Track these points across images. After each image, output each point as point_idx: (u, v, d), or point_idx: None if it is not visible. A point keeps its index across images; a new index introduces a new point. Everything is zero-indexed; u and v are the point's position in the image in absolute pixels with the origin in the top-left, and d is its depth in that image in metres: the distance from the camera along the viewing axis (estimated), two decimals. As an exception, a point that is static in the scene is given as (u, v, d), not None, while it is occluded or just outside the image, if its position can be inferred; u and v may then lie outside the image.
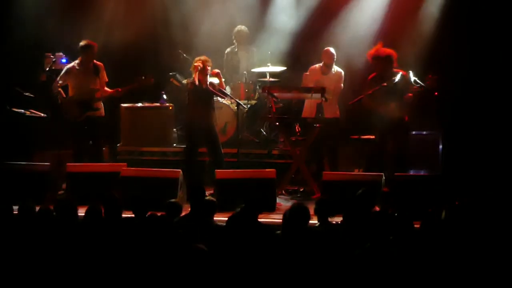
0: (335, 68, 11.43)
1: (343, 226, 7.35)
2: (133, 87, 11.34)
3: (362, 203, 7.68)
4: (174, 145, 12.69)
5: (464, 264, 6.35)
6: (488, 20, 11.62)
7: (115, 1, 13.02)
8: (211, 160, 11.21)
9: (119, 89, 11.27)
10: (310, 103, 11.43)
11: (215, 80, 11.24)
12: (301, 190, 11.23)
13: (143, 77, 11.32)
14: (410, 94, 10.55)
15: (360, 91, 11.01)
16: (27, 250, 6.81)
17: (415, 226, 6.87)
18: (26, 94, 11.98)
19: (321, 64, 11.46)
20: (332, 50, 11.39)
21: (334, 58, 11.37)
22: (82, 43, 11.23)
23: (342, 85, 11.40)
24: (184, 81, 11.82)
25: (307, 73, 11.56)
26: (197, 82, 10.87)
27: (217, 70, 11.24)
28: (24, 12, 12.78)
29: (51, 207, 7.46)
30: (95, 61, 11.26)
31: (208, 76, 11.00)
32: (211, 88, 10.99)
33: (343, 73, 11.41)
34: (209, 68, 10.98)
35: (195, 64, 10.94)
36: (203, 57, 11.03)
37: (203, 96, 10.98)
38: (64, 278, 6.56)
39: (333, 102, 11.29)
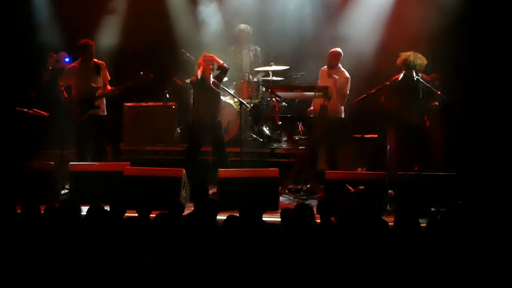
0: (342, 71, 11.22)
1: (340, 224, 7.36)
2: (132, 84, 11.32)
3: (363, 201, 7.69)
4: (177, 144, 12.69)
5: (467, 262, 6.36)
6: (490, 19, 11.59)
7: (118, 1, 13.04)
8: (216, 159, 11.21)
9: (113, 88, 11.25)
10: (317, 101, 11.37)
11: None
12: (304, 189, 11.23)
13: (141, 73, 11.31)
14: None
15: (362, 91, 11.05)
16: (30, 248, 6.83)
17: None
18: (30, 93, 11.99)
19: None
20: (338, 50, 11.27)
21: (335, 59, 11.24)
22: (80, 42, 11.25)
23: (347, 90, 11.17)
24: (188, 80, 11.85)
25: (319, 74, 11.51)
26: (199, 75, 10.86)
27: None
28: (28, 13, 12.83)
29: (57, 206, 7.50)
30: (96, 60, 11.28)
31: (212, 75, 11.00)
32: (214, 87, 10.97)
33: (348, 77, 11.19)
34: (212, 66, 10.98)
35: (200, 60, 10.94)
36: (208, 54, 11.02)
37: (208, 93, 10.96)
38: (67, 277, 6.58)
39: (336, 104, 11.11)
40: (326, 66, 11.39)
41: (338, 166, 11.21)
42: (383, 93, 10.78)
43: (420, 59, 10.61)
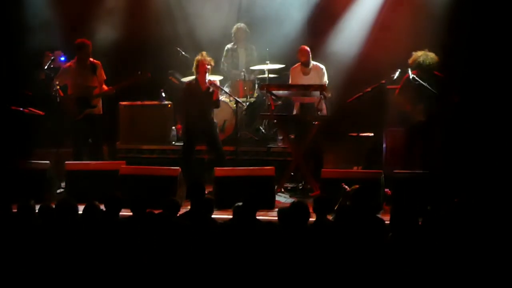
0: (315, 65, 11.33)
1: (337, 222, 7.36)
2: (129, 83, 11.32)
3: (360, 200, 7.69)
4: (173, 143, 12.67)
5: (463, 261, 6.37)
6: (488, 18, 11.60)
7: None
8: (212, 158, 11.18)
9: (111, 88, 11.26)
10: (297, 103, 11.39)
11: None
12: (300, 187, 11.23)
13: (139, 73, 11.30)
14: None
15: (357, 89, 11.05)
16: (26, 248, 6.83)
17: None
18: (25, 92, 11.99)
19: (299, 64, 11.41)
20: (305, 47, 11.30)
21: (308, 55, 11.27)
22: (77, 42, 11.24)
23: (326, 80, 11.28)
24: (184, 79, 11.83)
25: (290, 73, 11.54)
26: (204, 88, 10.83)
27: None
28: (23, 12, 12.82)
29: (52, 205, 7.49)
30: (92, 59, 11.27)
31: (207, 74, 10.98)
32: (210, 86, 10.94)
33: (324, 68, 11.31)
34: (209, 66, 10.95)
35: (206, 65, 10.85)
36: (207, 57, 10.94)
37: (203, 95, 10.94)
38: (64, 276, 6.57)
39: (320, 101, 11.04)
40: (296, 65, 11.43)
41: (323, 162, 11.24)
42: (398, 87, 10.76)
43: (431, 59, 10.53)
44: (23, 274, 6.61)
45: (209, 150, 11.33)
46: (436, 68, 10.54)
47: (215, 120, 11.21)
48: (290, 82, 11.52)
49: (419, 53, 10.53)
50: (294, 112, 11.45)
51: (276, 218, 7.34)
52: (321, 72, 11.32)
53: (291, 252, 6.51)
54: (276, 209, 9.53)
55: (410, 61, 10.56)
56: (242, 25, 12.89)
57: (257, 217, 7.46)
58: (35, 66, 12.45)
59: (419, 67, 10.47)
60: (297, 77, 11.40)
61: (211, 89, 10.92)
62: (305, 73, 11.34)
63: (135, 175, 10.28)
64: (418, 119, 10.54)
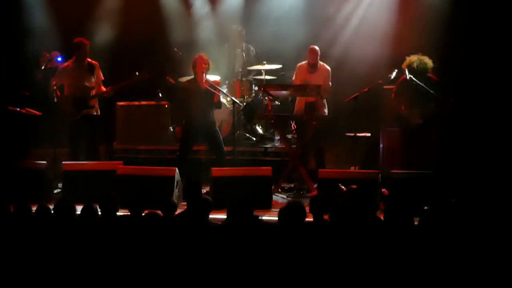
0: (322, 66, 11.32)
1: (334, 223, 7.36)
2: (127, 84, 11.31)
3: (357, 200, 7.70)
4: (170, 143, 12.65)
5: (460, 261, 6.37)
6: (486, 18, 11.61)
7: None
8: (213, 158, 11.15)
9: (108, 89, 11.24)
10: (300, 101, 11.39)
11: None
12: (297, 187, 11.22)
13: (137, 73, 11.28)
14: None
15: (355, 89, 11.06)
16: (23, 248, 6.82)
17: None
18: (22, 92, 11.99)
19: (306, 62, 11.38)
20: (316, 48, 11.27)
21: (317, 56, 11.25)
22: (75, 42, 11.23)
23: (330, 83, 11.27)
24: (181, 79, 11.81)
25: (296, 70, 11.53)
26: (203, 87, 10.81)
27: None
28: (20, 13, 12.84)
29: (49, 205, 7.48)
30: (90, 59, 11.26)
31: (205, 74, 10.97)
32: (208, 87, 10.93)
33: (330, 70, 11.30)
34: (205, 65, 10.94)
35: (204, 64, 10.84)
36: (204, 57, 10.94)
37: (202, 94, 10.93)
38: (61, 277, 6.57)
39: (320, 101, 11.09)
40: (303, 63, 11.39)
41: (325, 163, 11.24)
42: (394, 90, 10.77)
43: (425, 64, 10.51)
44: (21, 274, 6.61)
45: (210, 150, 11.30)
46: (431, 71, 10.55)
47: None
48: (294, 79, 11.50)
49: (413, 58, 10.53)
50: (295, 110, 11.43)
51: (273, 218, 7.35)
52: (326, 74, 11.27)
53: (288, 252, 6.51)
54: (273, 210, 9.70)
55: (403, 65, 10.56)
56: (235, 26, 12.89)
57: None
58: (32, 66, 12.44)
59: (413, 72, 10.47)
60: (302, 75, 11.36)
61: (210, 89, 10.90)
62: (311, 72, 11.30)
63: (132, 175, 10.26)
64: (415, 122, 10.56)
